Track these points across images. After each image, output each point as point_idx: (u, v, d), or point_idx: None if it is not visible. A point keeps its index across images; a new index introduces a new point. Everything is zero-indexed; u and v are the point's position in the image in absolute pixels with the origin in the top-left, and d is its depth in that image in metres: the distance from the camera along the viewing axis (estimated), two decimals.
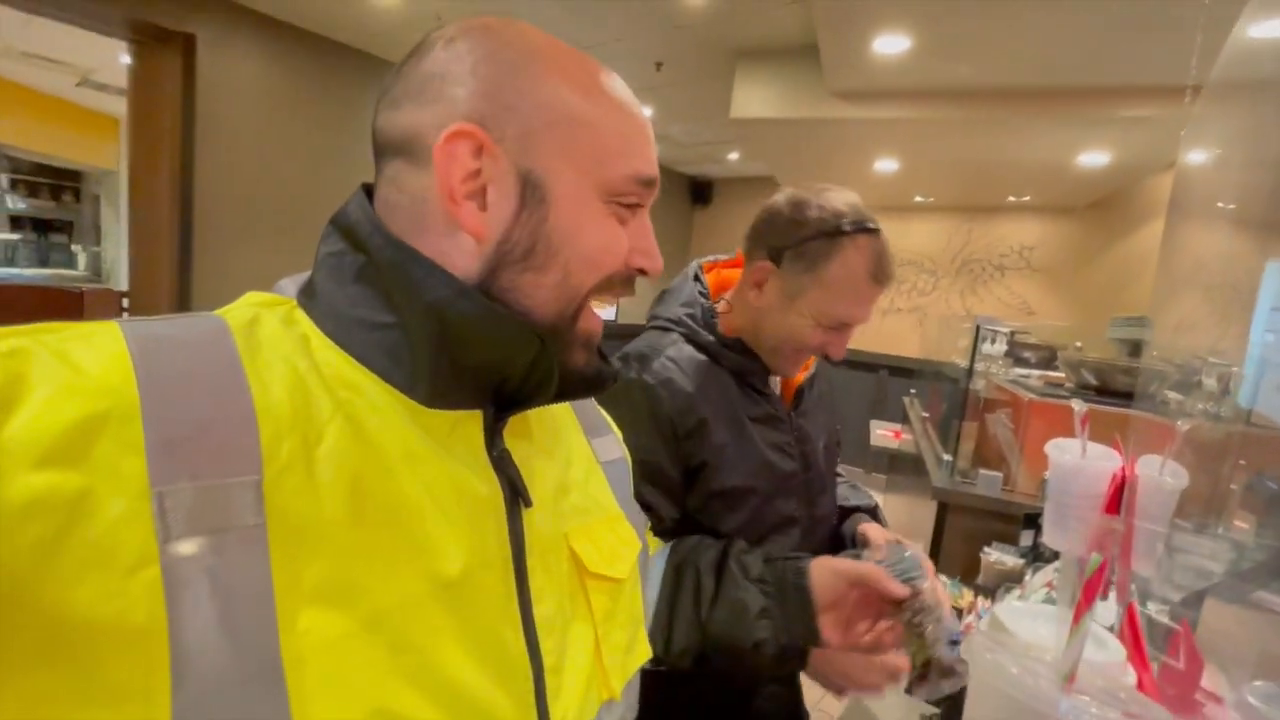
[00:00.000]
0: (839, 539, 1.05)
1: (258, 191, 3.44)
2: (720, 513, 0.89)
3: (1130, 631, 0.45)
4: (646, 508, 0.80)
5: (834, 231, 0.83)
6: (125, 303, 3.55)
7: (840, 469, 1.14)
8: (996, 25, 2.32)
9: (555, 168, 0.39)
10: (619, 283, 0.42)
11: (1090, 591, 0.37)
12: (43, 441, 0.27)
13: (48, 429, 0.27)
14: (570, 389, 0.42)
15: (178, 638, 0.28)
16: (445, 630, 0.35)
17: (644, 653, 0.51)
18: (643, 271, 0.43)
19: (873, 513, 1.05)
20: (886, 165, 4.30)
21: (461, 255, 0.39)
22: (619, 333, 0.96)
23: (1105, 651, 0.41)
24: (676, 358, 0.89)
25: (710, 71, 3.55)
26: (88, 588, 0.26)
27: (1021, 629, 0.46)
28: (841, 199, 0.87)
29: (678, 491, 0.88)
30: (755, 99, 3.38)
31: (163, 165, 3.17)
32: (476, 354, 0.38)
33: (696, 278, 0.99)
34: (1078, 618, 0.36)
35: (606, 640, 0.45)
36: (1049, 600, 1.14)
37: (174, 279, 3.21)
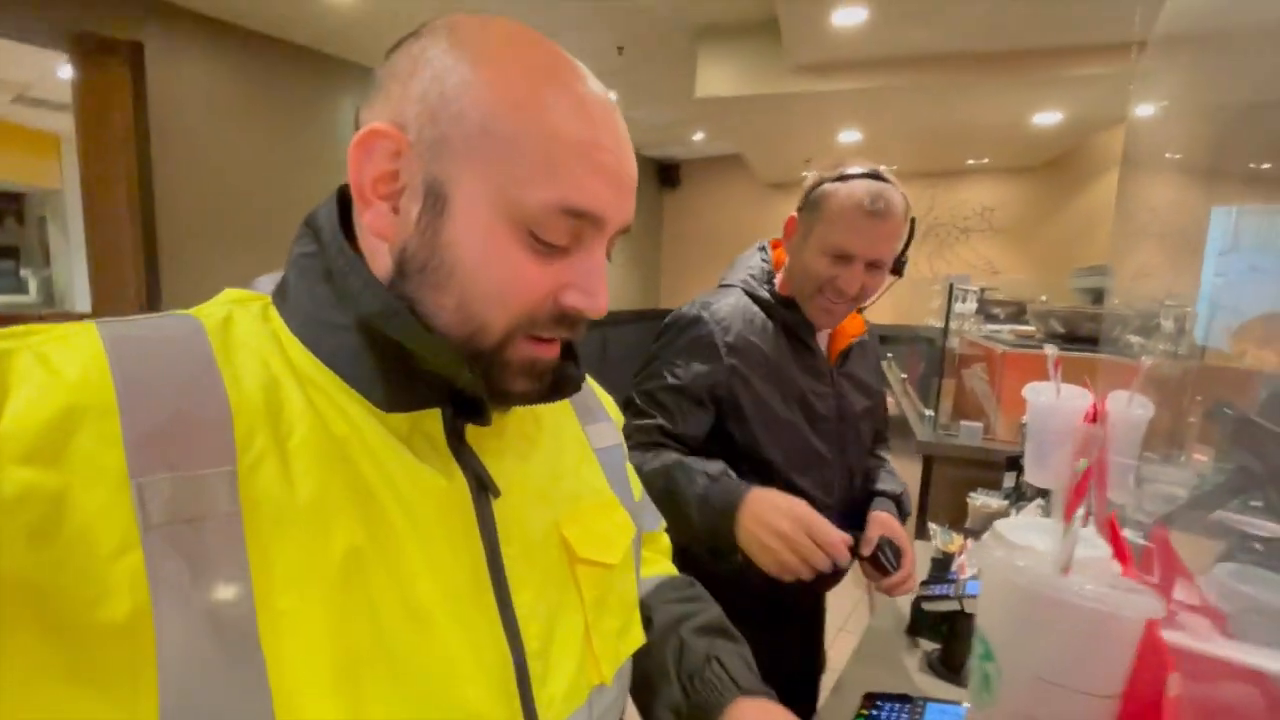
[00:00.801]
0: (864, 514, 1.15)
1: (222, 201, 3.37)
2: (760, 435, 1.03)
3: (1111, 534, 0.51)
4: (680, 416, 0.99)
5: (835, 177, 0.98)
6: None
7: (883, 453, 1.25)
8: None
9: (461, 179, 0.36)
10: (545, 321, 0.39)
11: (1079, 491, 0.42)
12: (25, 438, 0.28)
13: (29, 426, 0.28)
14: (518, 402, 0.42)
15: (161, 620, 0.29)
16: (417, 616, 0.36)
17: (637, 638, 0.51)
18: (577, 310, 0.39)
19: (898, 500, 1.14)
20: (850, 136, 4.37)
21: (378, 255, 0.39)
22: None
23: (1095, 550, 0.46)
24: (735, 304, 1.05)
25: (672, 53, 3.57)
26: (74, 574, 0.28)
27: (1018, 538, 0.52)
28: (855, 164, 1.00)
29: (705, 415, 1.02)
30: (718, 77, 3.40)
31: (118, 181, 3.08)
32: (416, 365, 0.38)
33: (762, 248, 1.15)
34: (1069, 515, 0.42)
35: (597, 626, 0.45)
36: None
37: (141, 298, 3.14)
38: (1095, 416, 1.12)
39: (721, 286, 1.12)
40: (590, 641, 0.45)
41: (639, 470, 0.67)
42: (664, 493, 0.91)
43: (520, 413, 0.47)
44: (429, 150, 0.36)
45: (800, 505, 0.90)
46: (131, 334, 0.34)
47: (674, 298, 6.65)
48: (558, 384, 0.43)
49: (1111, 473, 1.13)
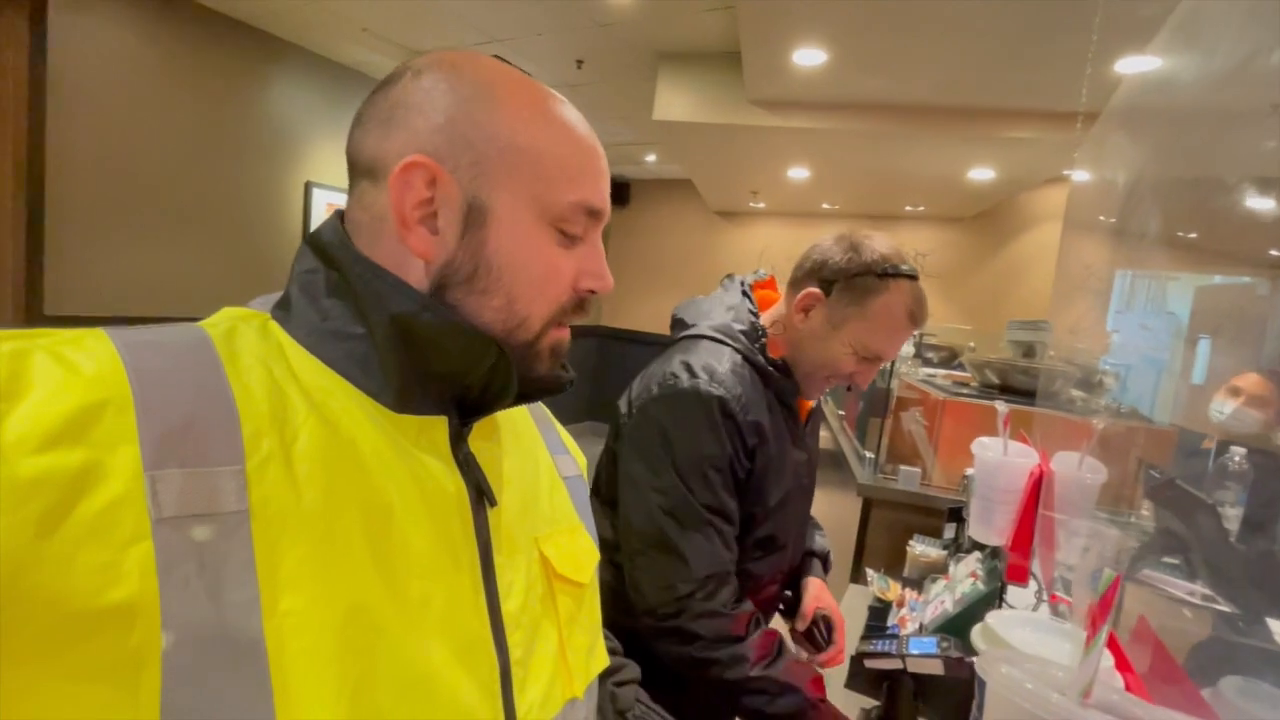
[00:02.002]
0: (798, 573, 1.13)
1: (126, 183, 3.03)
2: (756, 526, 0.95)
3: (1113, 645, 0.46)
4: (727, 517, 0.90)
5: (883, 272, 0.91)
6: None
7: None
8: (906, 44, 2.46)
9: (499, 194, 0.41)
10: (571, 308, 0.45)
11: (1105, 606, 0.37)
12: (45, 428, 0.29)
13: (49, 417, 0.29)
14: (529, 393, 0.45)
15: (168, 610, 0.29)
16: (414, 618, 0.37)
17: (603, 659, 0.53)
18: (592, 292, 0.46)
19: (824, 559, 1.13)
20: (799, 173, 4.47)
21: (413, 272, 0.41)
22: (632, 338, 1.01)
23: (1057, 639, 0.42)
24: (740, 374, 0.93)
25: (631, 72, 3.54)
26: (86, 558, 0.28)
27: (1014, 638, 0.47)
28: (887, 244, 0.94)
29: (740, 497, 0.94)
30: (677, 102, 3.40)
31: (4, 140, 2.73)
32: (439, 362, 0.41)
33: (745, 294, 1.03)
34: (1094, 632, 0.37)
35: (570, 641, 0.48)
36: (974, 589, 1.21)
37: (20, 276, 2.78)
38: (1041, 476, 1.12)
39: (698, 336, 0.98)
40: (565, 656, 0.47)
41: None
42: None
43: (508, 428, 0.51)
44: (468, 172, 0.41)
45: None
46: (142, 339, 0.35)
47: (618, 316, 6.59)
48: (558, 380, 0.46)
49: (1060, 532, 1.13)
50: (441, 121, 0.40)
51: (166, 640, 0.29)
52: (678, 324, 1.04)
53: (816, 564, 1.10)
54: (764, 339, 0.98)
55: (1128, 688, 0.43)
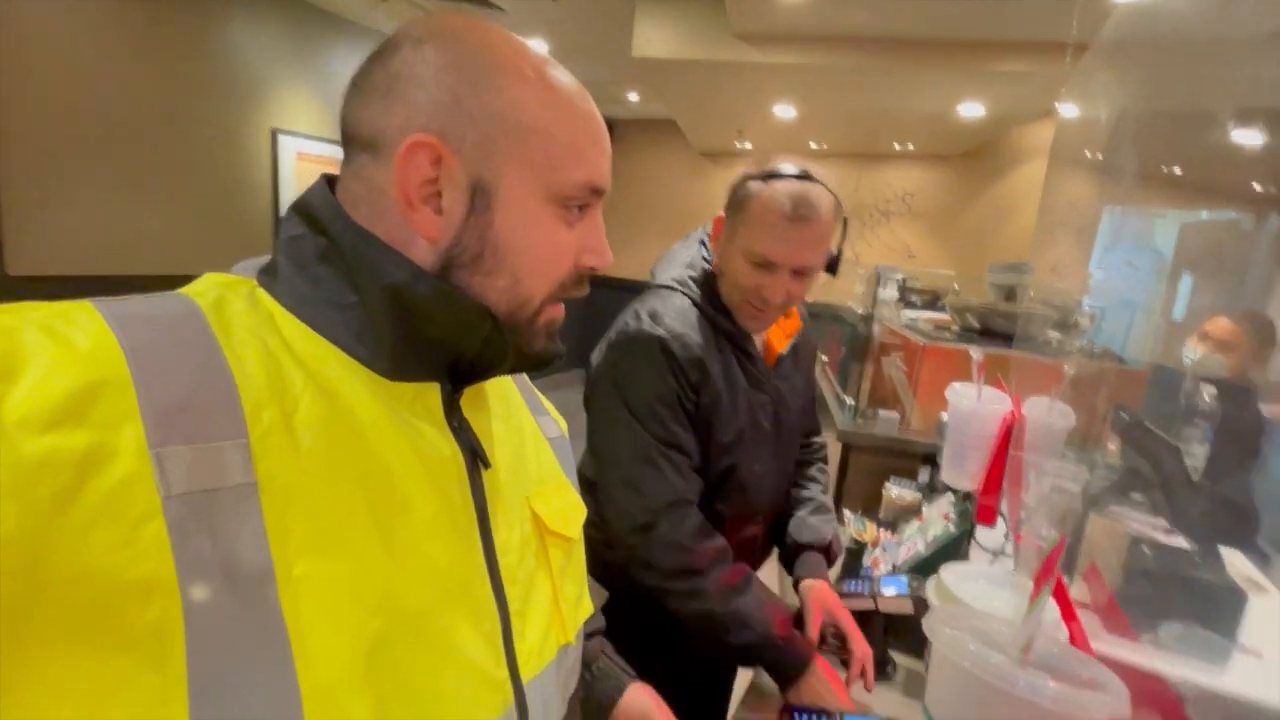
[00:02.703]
0: (787, 550, 1.13)
1: (84, 130, 2.86)
2: (710, 461, 0.98)
3: (1061, 599, 0.47)
4: (679, 447, 0.94)
5: (759, 176, 0.92)
6: None
7: (817, 478, 1.20)
8: None
9: (506, 174, 0.41)
10: (571, 284, 0.45)
11: (1049, 567, 0.37)
12: (47, 408, 0.28)
13: (50, 396, 0.29)
14: (522, 366, 0.47)
15: (186, 584, 0.30)
16: (420, 577, 0.39)
17: (588, 607, 0.57)
18: (592, 269, 0.46)
19: (826, 550, 1.10)
20: (785, 111, 4.34)
21: (419, 251, 0.41)
22: (619, 285, 1.00)
23: (1010, 588, 0.43)
24: (684, 317, 0.97)
25: (609, 6, 3.36)
26: (100, 538, 0.28)
27: (966, 592, 0.48)
28: (785, 162, 0.92)
29: (690, 428, 0.95)
30: (657, 38, 3.25)
31: None
32: (432, 330, 0.41)
33: (702, 242, 1.05)
34: (1037, 592, 0.37)
35: (562, 592, 0.51)
36: (945, 532, 1.24)
37: None
38: (1013, 422, 1.13)
39: (657, 286, 1.02)
40: (558, 605, 0.50)
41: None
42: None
43: (496, 395, 0.52)
44: (474, 153, 0.40)
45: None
46: (131, 312, 0.34)
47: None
48: (550, 354, 0.47)
49: (1026, 473, 1.15)
50: (446, 99, 0.40)
51: (187, 612, 0.30)
52: (652, 278, 1.06)
53: (815, 559, 1.08)
54: (713, 284, 1.00)
55: (1072, 639, 0.44)
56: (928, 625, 0.42)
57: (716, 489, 1.00)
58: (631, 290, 1.06)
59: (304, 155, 3.74)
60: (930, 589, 0.53)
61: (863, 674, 0.96)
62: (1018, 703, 0.33)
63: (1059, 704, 0.33)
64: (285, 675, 0.32)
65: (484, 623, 0.42)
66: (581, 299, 0.48)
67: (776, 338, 1.06)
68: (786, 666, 0.91)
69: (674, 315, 0.96)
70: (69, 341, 0.31)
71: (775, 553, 1.21)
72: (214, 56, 3.28)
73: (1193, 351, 1.23)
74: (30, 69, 2.68)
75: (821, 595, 1.02)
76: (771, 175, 0.91)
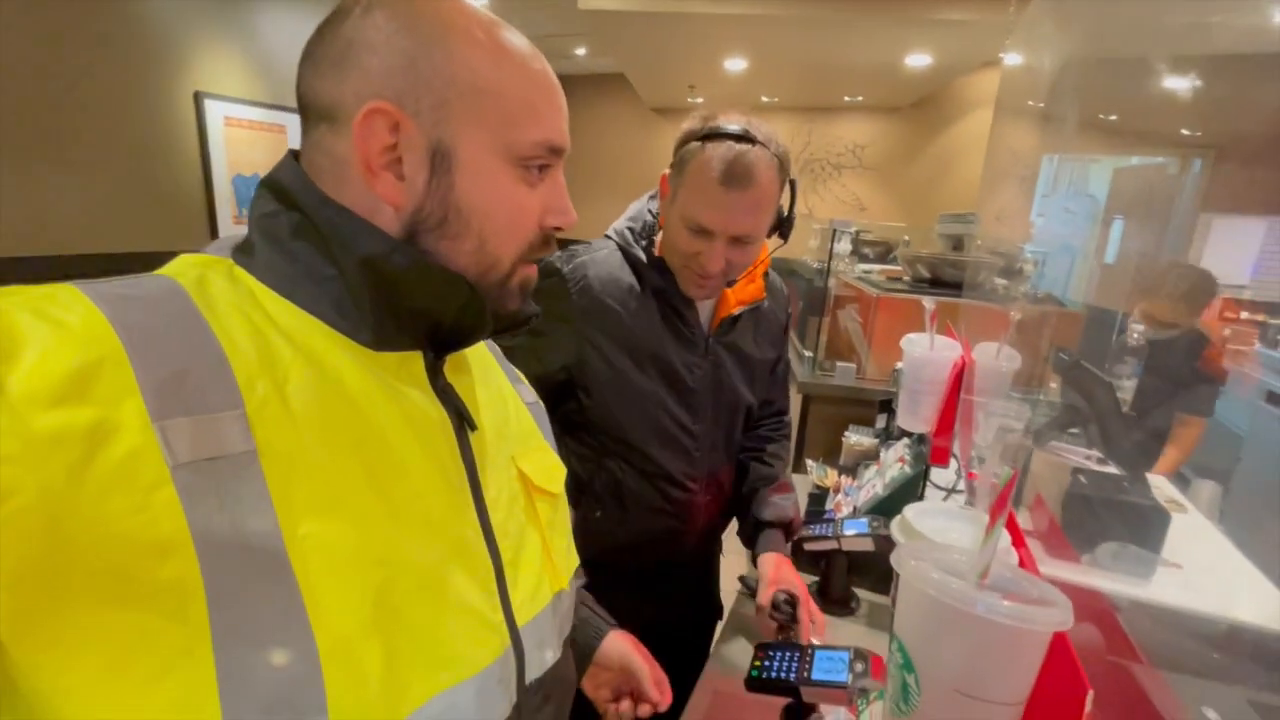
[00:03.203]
0: (748, 525, 1.12)
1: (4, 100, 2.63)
2: (614, 406, 0.98)
3: (1012, 528, 0.51)
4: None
5: (703, 135, 0.87)
6: None
7: (780, 454, 1.18)
8: None
9: (463, 136, 0.41)
10: (539, 244, 0.46)
11: (1002, 501, 0.40)
12: (50, 386, 0.29)
13: (52, 375, 0.29)
14: (500, 326, 0.47)
15: (200, 543, 0.31)
16: (418, 533, 0.41)
17: (576, 558, 0.60)
18: (557, 228, 0.47)
19: (787, 527, 1.09)
20: (735, 64, 4.28)
21: (383, 218, 0.42)
22: (569, 244, 0.99)
23: (962, 519, 0.47)
24: (603, 261, 0.95)
25: None
26: (115, 505, 0.30)
27: (927, 528, 0.52)
28: (738, 117, 0.87)
29: (551, 376, 0.95)
30: None
31: None
32: (411, 300, 0.42)
33: (654, 196, 1.02)
34: (992, 523, 0.40)
35: (551, 543, 0.53)
36: (901, 473, 1.31)
37: None
38: (964, 366, 1.19)
39: (604, 237, 1.01)
40: (549, 555, 0.53)
41: None
42: None
43: (477, 361, 0.54)
44: (430, 116, 0.40)
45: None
46: (115, 292, 0.34)
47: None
48: (526, 314, 0.49)
49: (977, 414, 1.21)
50: (400, 64, 0.40)
51: (204, 568, 0.31)
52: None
53: (773, 535, 1.08)
54: (652, 237, 0.98)
55: (1021, 563, 0.48)
56: (895, 558, 0.45)
57: (648, 436, 0.99)
58: None
59: (232, 120, 3.51)
60: (895, 527, 0.57)
61: (813, 624, 0.97)
62: (977, 621, 0.36)
63: (1012, 619, 0.36)
64: (300, 623, 0.34)
65: (478, 572, 0.45)
66: (535, 283, 0.49)
67: (723, 304, 1.02)
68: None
69: (591, 260, 0.95)
70: (61, 322, 0.31)
71: (733, 528, 1.19)
72: (127, 14, 3.01)
73: (1138, 327, 1.32)
74: None
75: (775, 566, 1.02)
76: (710, 135, 0.86)
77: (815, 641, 0.93)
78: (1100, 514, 1.01)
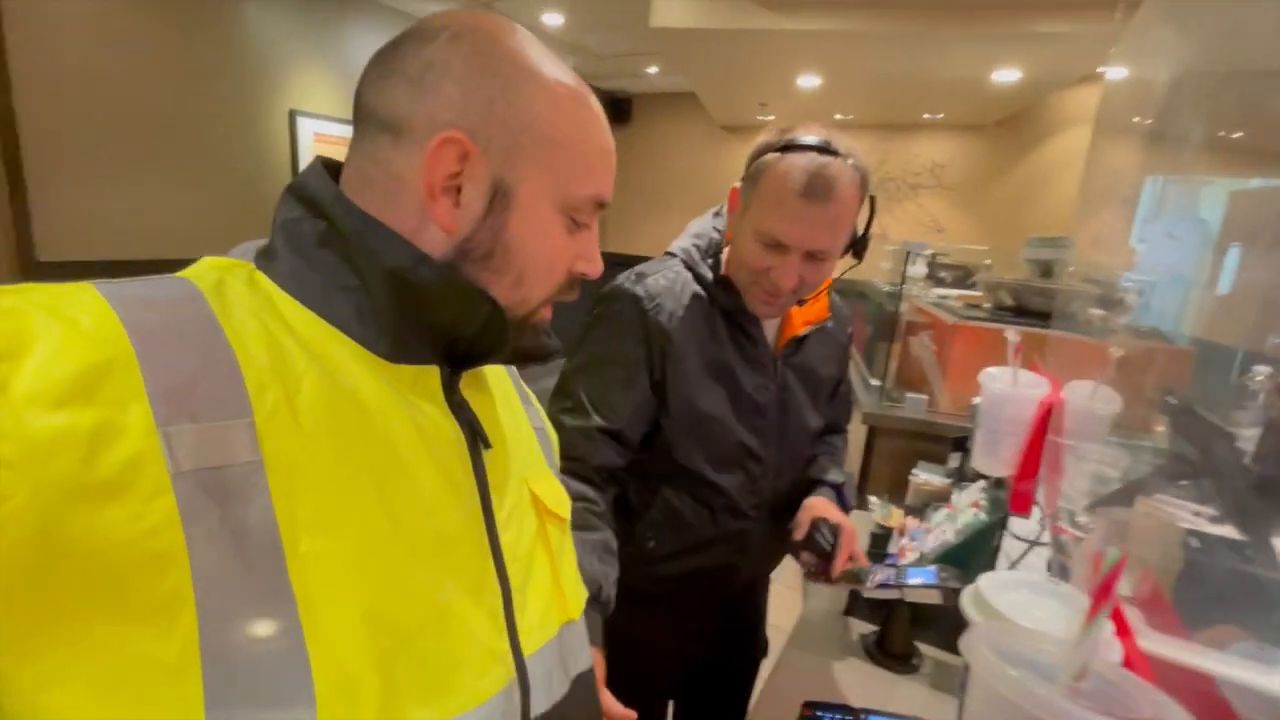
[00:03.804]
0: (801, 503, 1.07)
1: (103, 115, 2.88)
2: (679, 429, 0.93)
3: (1116, 620, 0.43)
4: (589, 405, 0.90)
5: (776, 148, 0.84)
6: None
7: (833, 440, 1.15)
8: None
9: (527, 180, 0.42)
10: (564, 288, 0.47)
11: (1107, 588, 0.33)
12: (55, 386, 0.29)
13: (58, 375, 0.29)
14: (518, 360, 0.48)
15: (196, 558, 0.31)
16: (424, 552, 0.40)
17: (585, 589, 0.58)
18: (585, 275, 0.48)
19: (838, 490, 1.04)
20: (809, 81, 4.20)
21: (429, 240, 0.42)
22: (634, 261, 1.00)
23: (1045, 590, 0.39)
24: (672, 280, 0.93)
25: None
26: (111, 513, 0.29)
27: (1005, 603, 0.45)
28: (818, 130, 0.85)
29: (639, 399, 0.92)
30: (677, 7, 3.15)
31: None
32: (433, 314, 0.42)
33: (716, 213, 1.00)
34: (1093, 613, 0.33)
35: (560, 570, 0.52)
36: (975, 520, 1.19)
37: (6, 216, 2.71)
38: (1052, 406, 1.08)
39: (666, 254, 0.98)
40: (558, 583, 0.51)
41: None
42: None
43: (494, 379, 0.54)
44: (499, 156, 0.41)
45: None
46: (132, 293, 0.34)
47: (623, 241, 6.43)
48: (546, 349, 0.49)
49: (1065, 460, 1.09)
50: (480, 100, 0.41)
51: (197, 585, 0.31)
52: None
53: (825, 489, 1.04)
54: (718, 255, 0.96)
55: (1126, 659, 0.40)
56: (966, 644, 0.39)
57: (712, 460, 0.95)
58: None
59: (321, 136, 3.73)
60: (966, 599, 0.50)
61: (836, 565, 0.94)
62: None
63: None
64: (295, 647, 0.33)
65: (486, 597, 0.44)
66: (597, 279, 0.51)
67: (789, 324, 0.99)
68: None
69: (660, 279, 0.93)
70: (74, 322, 0.31)
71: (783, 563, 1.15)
72: (232, 38, 3.27)
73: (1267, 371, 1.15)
74: (51, 58, 2.69)
75: (818, 501, 0.98)
76: (790, 146, 0.83)
77: (871, 708, 0.84)
78: (1216, 585, 0.88)
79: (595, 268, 0.49)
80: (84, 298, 0.33)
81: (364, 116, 0.43)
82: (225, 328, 0.36)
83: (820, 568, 0.96)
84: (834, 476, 1.07)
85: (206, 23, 3.16)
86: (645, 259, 1.00)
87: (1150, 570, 0.84)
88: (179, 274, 0.39)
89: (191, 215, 3.23)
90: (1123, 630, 0.41)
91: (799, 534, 0.95)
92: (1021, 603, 0.44)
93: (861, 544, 1.39)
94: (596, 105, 0.47)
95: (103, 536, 0.29)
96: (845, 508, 1.04)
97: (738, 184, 0.91)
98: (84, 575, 0.29)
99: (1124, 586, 0.94)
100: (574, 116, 0.44)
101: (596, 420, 0.88)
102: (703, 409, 0.93)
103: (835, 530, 0.94)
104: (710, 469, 0.95)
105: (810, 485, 1.05)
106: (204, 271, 0.40)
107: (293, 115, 3.59)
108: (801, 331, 0.99)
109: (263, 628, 0.32)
